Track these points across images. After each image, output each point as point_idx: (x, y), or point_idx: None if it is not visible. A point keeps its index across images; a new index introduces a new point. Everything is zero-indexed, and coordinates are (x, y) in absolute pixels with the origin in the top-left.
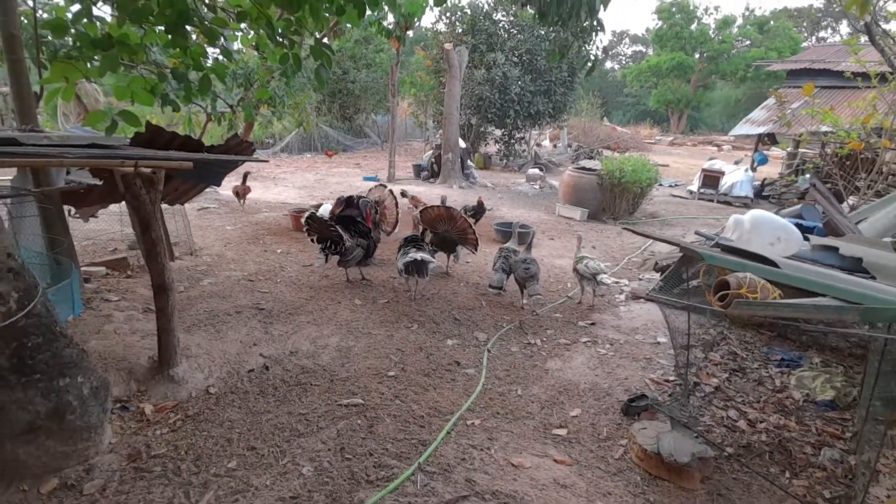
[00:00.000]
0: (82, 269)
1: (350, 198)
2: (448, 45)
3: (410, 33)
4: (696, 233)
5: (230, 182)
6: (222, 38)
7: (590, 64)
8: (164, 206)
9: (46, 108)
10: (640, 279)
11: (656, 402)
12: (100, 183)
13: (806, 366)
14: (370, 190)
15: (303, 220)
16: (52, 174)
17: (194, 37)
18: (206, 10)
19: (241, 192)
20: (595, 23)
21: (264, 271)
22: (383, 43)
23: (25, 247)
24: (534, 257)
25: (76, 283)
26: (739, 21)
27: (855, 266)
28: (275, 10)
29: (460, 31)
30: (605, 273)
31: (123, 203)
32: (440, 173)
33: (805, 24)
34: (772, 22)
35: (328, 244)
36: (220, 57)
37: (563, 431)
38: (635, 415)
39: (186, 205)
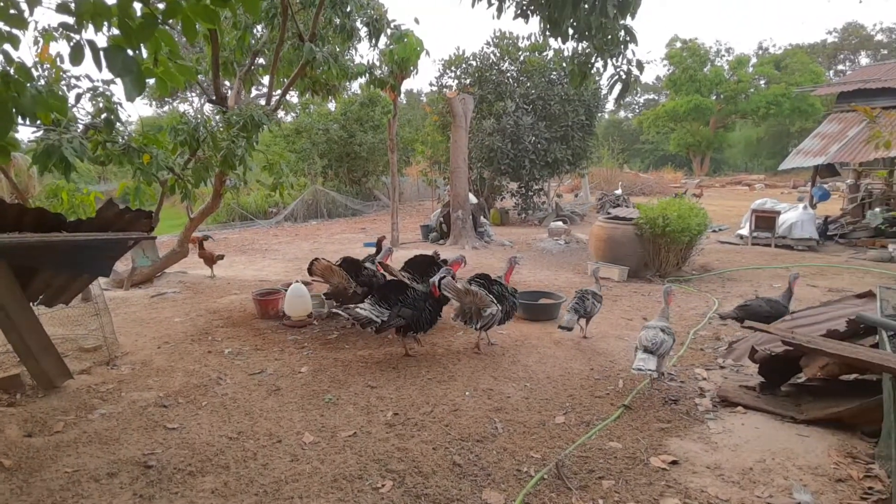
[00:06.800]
0: None
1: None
2: (450, 94)
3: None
4: (859, 317)
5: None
6: None
7: (620, 85)
8: (73, 303)
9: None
10: (723, 367)
11: None
12: None
13: None
14: None
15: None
16: None
17: None
18: None
19: (207, 258)
20: (624, 33)
21: (192, 387)
22: (390, 104)
23: None
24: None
25: None
26: (753, 60)
27: None
28: None
29: (468, 82)
30: (645, 351)
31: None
32: (450, 233)
33: (820, 59)
34: (787, 59)
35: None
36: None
37: None
38: None
39: (139, 290)
